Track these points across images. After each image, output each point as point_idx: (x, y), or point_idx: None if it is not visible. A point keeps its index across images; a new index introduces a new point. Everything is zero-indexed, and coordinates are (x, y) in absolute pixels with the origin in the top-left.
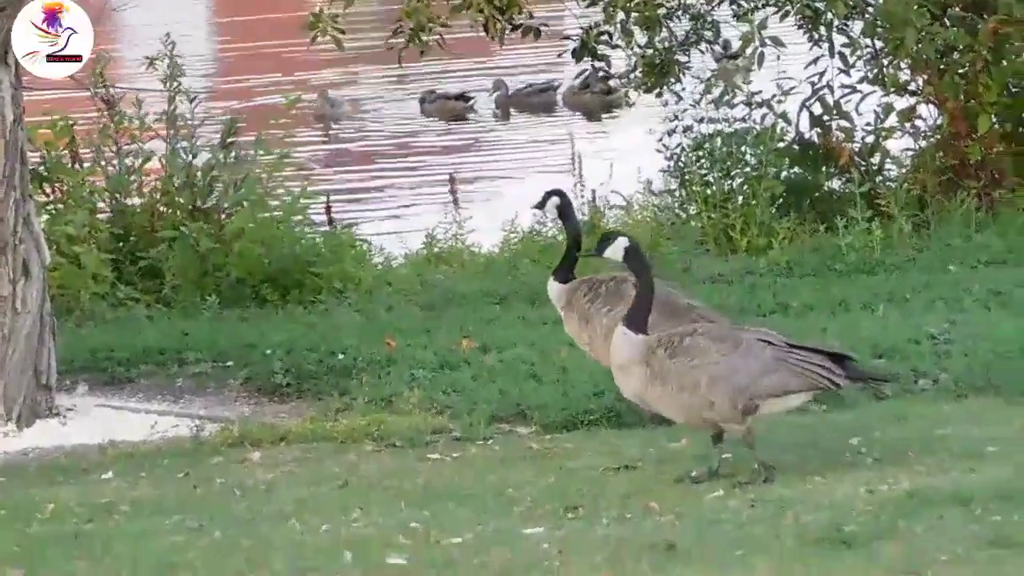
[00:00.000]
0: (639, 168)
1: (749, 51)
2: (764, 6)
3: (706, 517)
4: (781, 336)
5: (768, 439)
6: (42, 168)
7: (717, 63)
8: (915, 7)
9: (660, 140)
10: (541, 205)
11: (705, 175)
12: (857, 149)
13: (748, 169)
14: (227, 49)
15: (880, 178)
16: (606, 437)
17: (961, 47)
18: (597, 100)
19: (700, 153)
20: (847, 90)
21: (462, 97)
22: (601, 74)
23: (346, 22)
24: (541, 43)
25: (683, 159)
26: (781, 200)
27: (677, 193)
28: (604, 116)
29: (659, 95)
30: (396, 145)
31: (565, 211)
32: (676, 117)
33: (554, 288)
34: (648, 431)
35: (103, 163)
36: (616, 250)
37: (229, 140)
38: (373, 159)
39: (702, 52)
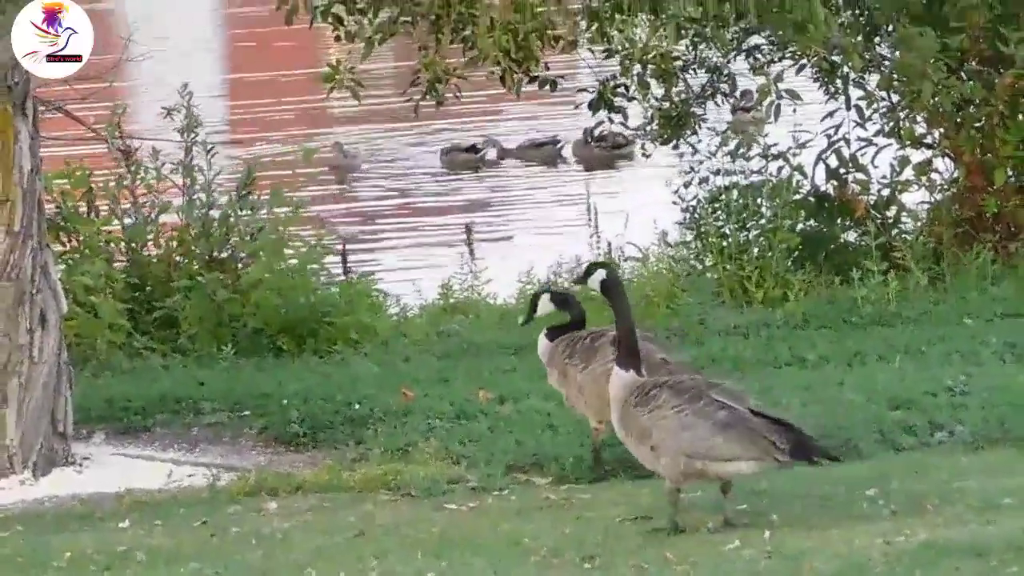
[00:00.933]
0: (655, 220)
1: (766, 104)
2: (781, 59)
3: (721, 568)
4: (749, 399)
5: (783, 489)
6: (59, 218)
7: (733, 115)
8: (931, 61)
9: (676, 192)
10: (583, 279)
11: (721, 227)
12: (873, 202)
13: (764, 221)
14: (242, 105)
15: (896, 231)
16: (622, 487)
17: (977, 100)
18: (603, 154)
19: (716, 205)
20: (863, 143)
21: (472, 149)
22: (606, 129)
23: (362, 77)
24: (557, 95)
25: (699, 211)
26: (797, 252)
27: (693, 245)
28: (612, 170)
29: (675, 147)
30: (413, 197)
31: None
32: (692, 169)
33: (542, 344)
34: (664, 481)
35: (119, 213)
36: (593, 281)
37: (245, 191)
38: (389, 210)
39: (718, 105)
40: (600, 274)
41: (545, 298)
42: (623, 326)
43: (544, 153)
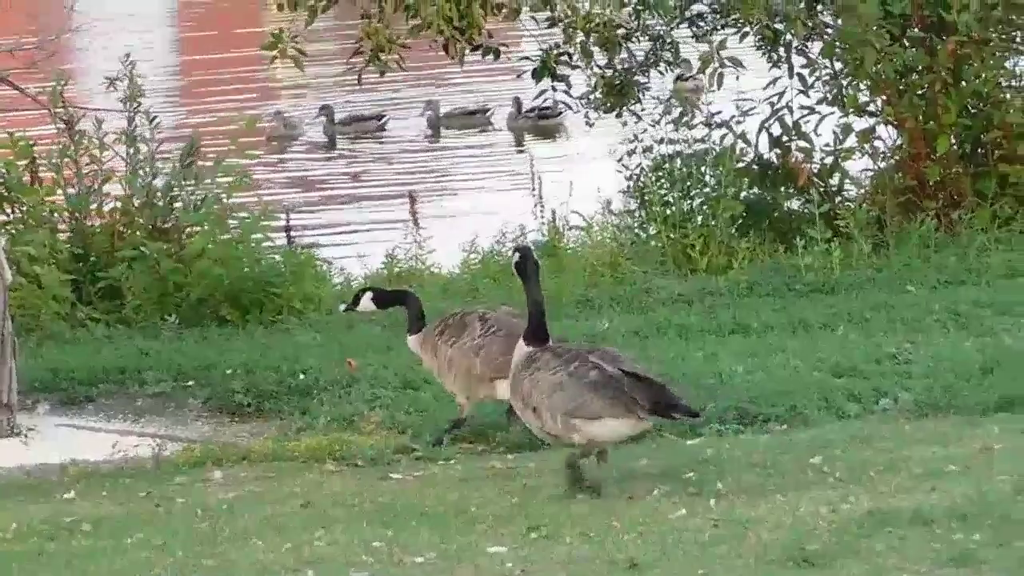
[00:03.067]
0: (599, 188)
1: (708, 72)
2: (723, 27)
3: (668, 536)
4: (627, 361)
5: (729, 457)
6: (2, 187)
7: (673, 84)
8: (874, 28)
9: (620, 160)
10: (352, 307)
11: (665, 195)
12: (816, 170)
13: (708, 189)
14: (190, 69)
15: (839, 199)
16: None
17: (920, 68)
18: (532, 124)
19: (660, 173)
20: (806, 111)
21: (378, 117)
22: (546, 99)
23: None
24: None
25: (643, 179)
26: (741, 220)
27: (637, 213)
28: (544, 139)
29: (619, 116)
30: (357, 165)
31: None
32: (636, 138)
33: (409, 341)
34: (611, 449)
35: (63, 183)
36: (511, 263)
37: (189, 160)
38: (332, 178)
39: (662, 73)
40: (515, 257)
41: (367, 296)
42: (532, 305)
43: (475, 121)
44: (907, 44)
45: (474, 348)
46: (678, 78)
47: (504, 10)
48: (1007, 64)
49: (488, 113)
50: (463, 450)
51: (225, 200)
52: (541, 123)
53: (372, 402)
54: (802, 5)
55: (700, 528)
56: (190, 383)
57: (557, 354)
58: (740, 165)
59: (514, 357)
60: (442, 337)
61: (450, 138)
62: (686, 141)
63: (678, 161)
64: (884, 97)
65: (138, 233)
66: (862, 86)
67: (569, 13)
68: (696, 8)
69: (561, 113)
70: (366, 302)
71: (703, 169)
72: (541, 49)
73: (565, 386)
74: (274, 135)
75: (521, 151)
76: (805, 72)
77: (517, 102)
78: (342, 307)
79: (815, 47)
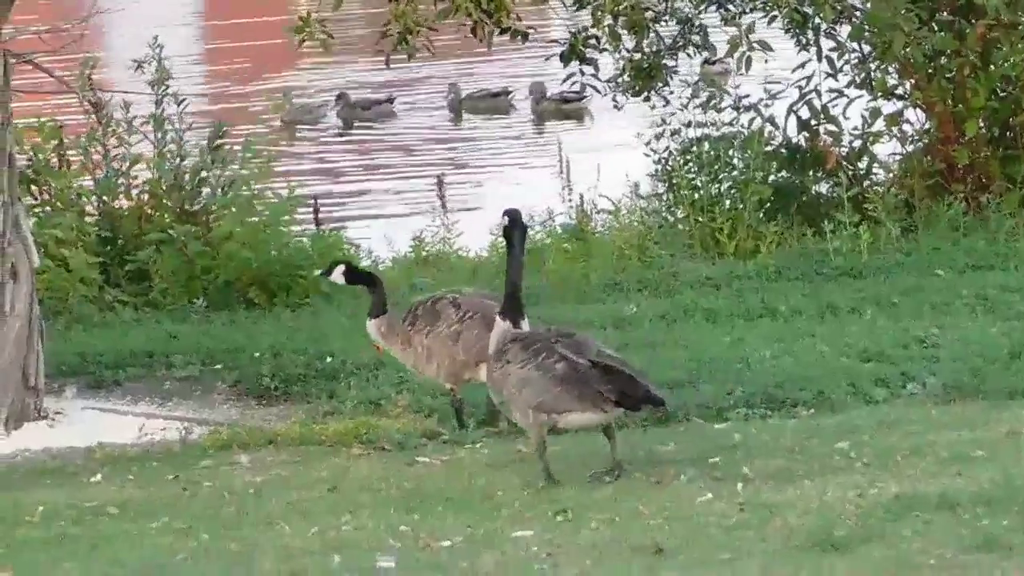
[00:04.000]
0: (627, 172)
1: (736, 55)
2: (752, 10)
3: (694, 520)
4: (594, 349)
5: (756, 442)
6: (30, 171)
7: (701, 67)
8: (903, 11)
9: (648, 144)
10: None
11: (693, 179)
12: (845, 153)
13: (736, 173)
14: (216, 51)
15: (868, 182)
16: (595, 440)
17: (949, 51)
18: (554, 108)
19: (688, 157)
20: (835, 94)
21: (389, 100)
22: (574, 83)
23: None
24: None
25: (671, 163)
26: (769, 204)
27: (665, 197)
28: (568, 121)
29: (647, 99)
30: (385, 148)
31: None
32: (664, 121)
33: (368, 326)
34: (639, 434)
35: (91, 166)
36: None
37: (217, 143)
38: (354, 163)
39: (690, 56)
40: (504, 220)
41: (340, 269)
42: (512, 276)
43: (497, 104)
44: (936, 27)
45: (452, 335)
46: (705, 61)
47: None
48: None
49: (510, 96)
50: (489, 434)
51: (252, 184)
52: (564, 107)
53: (399, 386)
54: None
55: (726, 513)
56: (217, 366)
57: (525, 345)
58: (768, 149)
59: (492, 334)
60: (415, 327)
61: (473, 121)
62: (714, 124)
63: (706, 144)
64: (912, 80)
65: (166, 216)
66: (891, 69)
67: None
68: None
69: (585, 97)
70: (337, 275)
71: (731, 153)
72: (569, 32)
73: (532, 380)
74: (288, 119)
75: (541, 133)
76: (834, 55)
77: (540, 86)
78: (317, 272)
79: (844, 30)
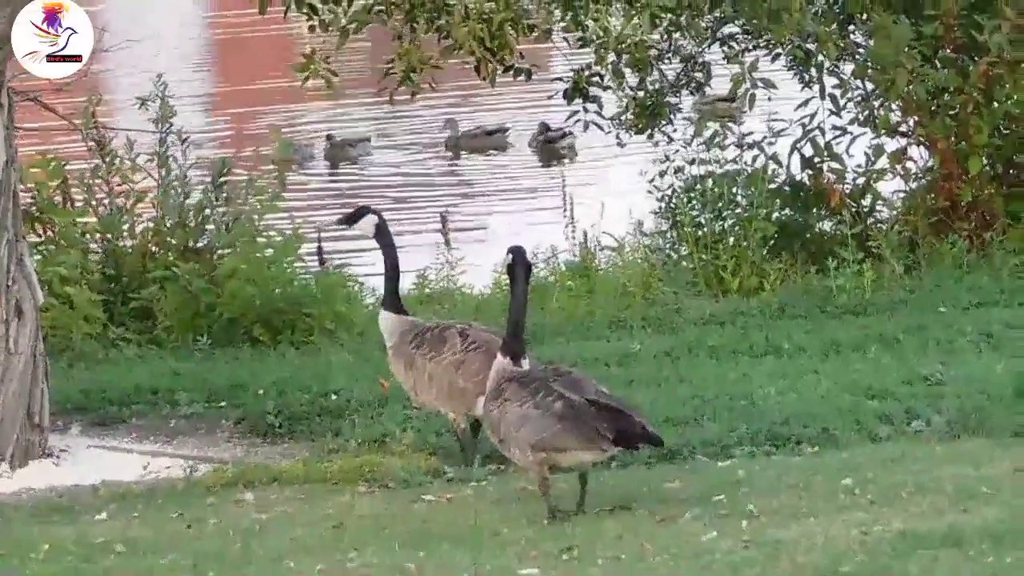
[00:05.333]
0: (630, 210)
1: (740, 92)
2: (755, 48)
3: (700, 558)
4: (592, 388)
5: (761, 479)
6: (34, 208)
7: (704, 106)
8: (906, 49)
9: (651, 181)
10: (351, 220)
11: (696, 216)
12: (848, 191)
13: (739, 210)
14: (219, 90)
15: (871, 220)
16: (599, 477)
17: (952, 89)
18: (543, 147)
19: (691, 194)
20: (838, 132)
21: (367, 139)
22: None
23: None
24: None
25: (674, 200)
26: (772, 241)
27: (668, 234)
28: (554, 162)
29: (650, 137)
30: (388, 185)
31: (382, 232)
32: (667, 158)
33: (387, 317)
34: (644, 471)
35: (94, 203)
36: (367, 225)
37: (221, 180)
38: (365, 198)
39: (693, 94)
40: (372, 218)
41: (372, 220)
42: (514, 314)
43: (494, 141)
44: (939, 65)
45: (454, 363)
46: (705, 103)
47: (536, 31)
48: None
49: (506, 133)
50: (494, 472)
51: (257, 221)
52: (549, 145)
53: (404, 423)
54: (834, 26)
55: (731, 550)
56: (222, 404)
57: (523, 383)
58: (772, 186)
59: (492, 371)
60: (420, 350)
61: (472, 159)
62: (718, 162)
63: (710, 182)
64: (916, 118)
65: (170, 254)
66: (894, 107)
67: (601, 34)
68: (727, 29)
69: (567, 135)
70: (366, 225)
71: (735, 190)
72: (572, 70)
73: (531, 418)
74: (277, 158)
75: (534, 170)
76: (837, 93)
77: (543, 125)
78: (336, 219)
79: (847, 68)
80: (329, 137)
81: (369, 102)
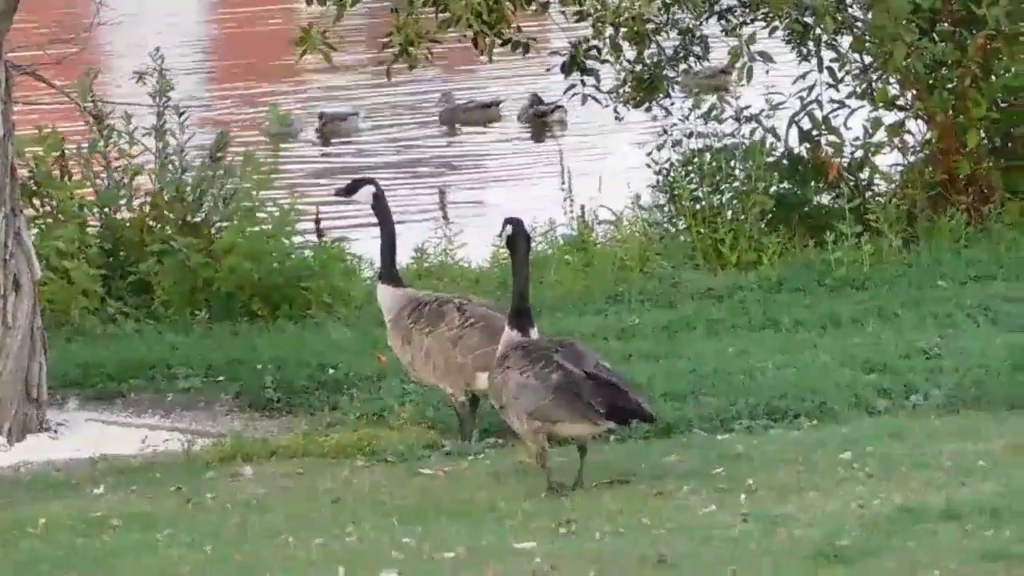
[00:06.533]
0: (628, 183)
1: (738, 66)
2: (753, 21)
3: (698, 532)
4: (592, 360)
5: (760, 453)
6: (31, 182)
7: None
8: (904, 22)
9: (649, 155)
10: (349, 191)
11: (694, 190)
12: (846, 164)
13: (737, 184)
14: (216, 62)
15: (869, 193)
16: (598, 451)
17: (950, 62)
18: (533, 121)
19: (689, 168)
20: (836, 105)
21: (355, 113)
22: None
23: (336, 36)
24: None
25: (672, 174)
26: (771, 215)
27: (666, 208)
28: (544, 136)
29: (648, 110)
30: (387, 157)
31: (380, 203)
32: (665, 132)
33: (384, 291)
34: (643, 445)
35: (92, 177)
36: (365, 195)
37: (219, 155)
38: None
39: (691, 67)
40: (508, 228)
41: (370, 190)
42: (518, 285)
43: (489, 114)
44: (937, 38)
45: (452, 339)
46: (696, 75)
47: (533, 5)
48: None
49: (500, 106)
50: (492, 446)
51: (254, 195)
52: (539, 119)
53: (402, 397)
54: None
55: (730, 524)
56: (220, 378)
57: (527, 352)
58: (770, 159)
59: (500, 344)
60: (417, 325)
61: (466, 132)
62: (716, 135)
63: (707, 155)
64: (914, 91)
65: (167, 228)
66: (892, 80)
67: (598, 7)
68: (725, 2)
69: (556, 108)
70: (364, 195)
71: (732, 163)
72: (570, 43)
73: (529, 388)
74: (270, 132)
75: (530, 144)
76: (835, 66)
77: (535, 97)
78: (335, 190)
79: (845, 41)
80: (321, 115)
81: (362, 81)
